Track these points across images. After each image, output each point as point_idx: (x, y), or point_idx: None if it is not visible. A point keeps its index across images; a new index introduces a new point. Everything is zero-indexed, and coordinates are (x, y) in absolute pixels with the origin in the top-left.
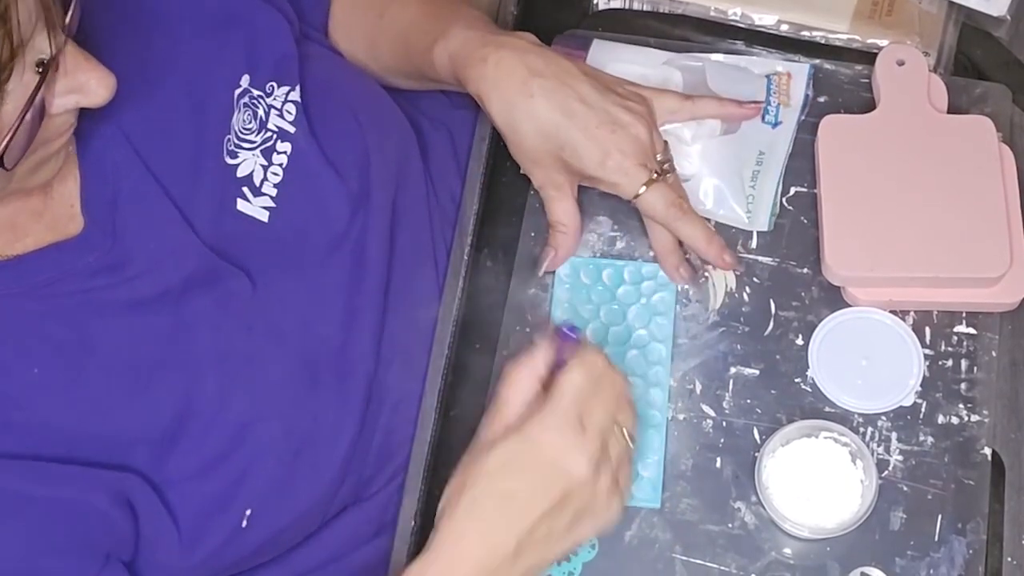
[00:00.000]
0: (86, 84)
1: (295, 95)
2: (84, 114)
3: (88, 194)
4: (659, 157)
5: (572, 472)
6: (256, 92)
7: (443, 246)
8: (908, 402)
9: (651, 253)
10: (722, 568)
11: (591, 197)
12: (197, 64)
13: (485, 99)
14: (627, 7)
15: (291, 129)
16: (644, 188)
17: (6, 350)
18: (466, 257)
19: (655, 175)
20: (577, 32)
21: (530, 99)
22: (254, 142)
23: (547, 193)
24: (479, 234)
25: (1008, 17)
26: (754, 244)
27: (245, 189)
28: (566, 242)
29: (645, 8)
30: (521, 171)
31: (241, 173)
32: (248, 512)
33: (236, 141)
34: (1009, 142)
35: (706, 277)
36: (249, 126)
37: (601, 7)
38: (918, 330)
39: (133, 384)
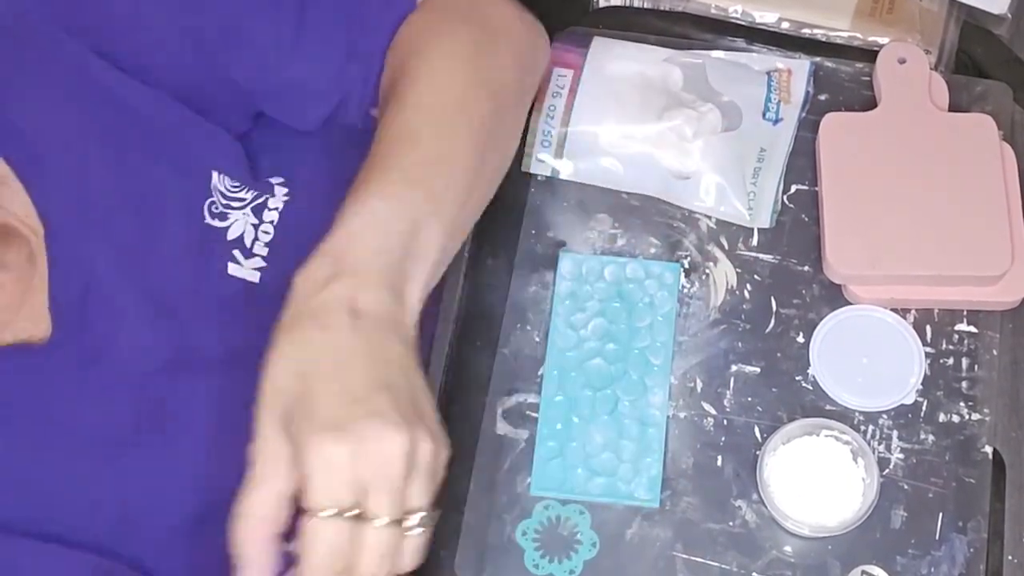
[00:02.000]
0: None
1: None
2: (48, 201)
3: (56, 293)
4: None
5: None
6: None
7: None
8: (909, 400)
9: (652, 250)
10: (723, 566)
11: (591, 194)
12: (165, 142)
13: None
14: (628, 4)
15: (284, 190)
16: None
17: None
18: (466, 255)
19: (351, 514)
20: (577, 29)
21: (288, 373)
22: (244, 200)
23: (259, 469)
24: (479, 231)
25: (1009, 15)
26: (755, 242)
27: (236, 252)
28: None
29: (646, 5)
30: (523, 169)
31: (232, 236)
32: None
33: (224, 202)
34: (1010, 140)
35: (707, 274)
36: (236, 183)
37: (601, 4)
38: (919, 328)
39: (104, 463)
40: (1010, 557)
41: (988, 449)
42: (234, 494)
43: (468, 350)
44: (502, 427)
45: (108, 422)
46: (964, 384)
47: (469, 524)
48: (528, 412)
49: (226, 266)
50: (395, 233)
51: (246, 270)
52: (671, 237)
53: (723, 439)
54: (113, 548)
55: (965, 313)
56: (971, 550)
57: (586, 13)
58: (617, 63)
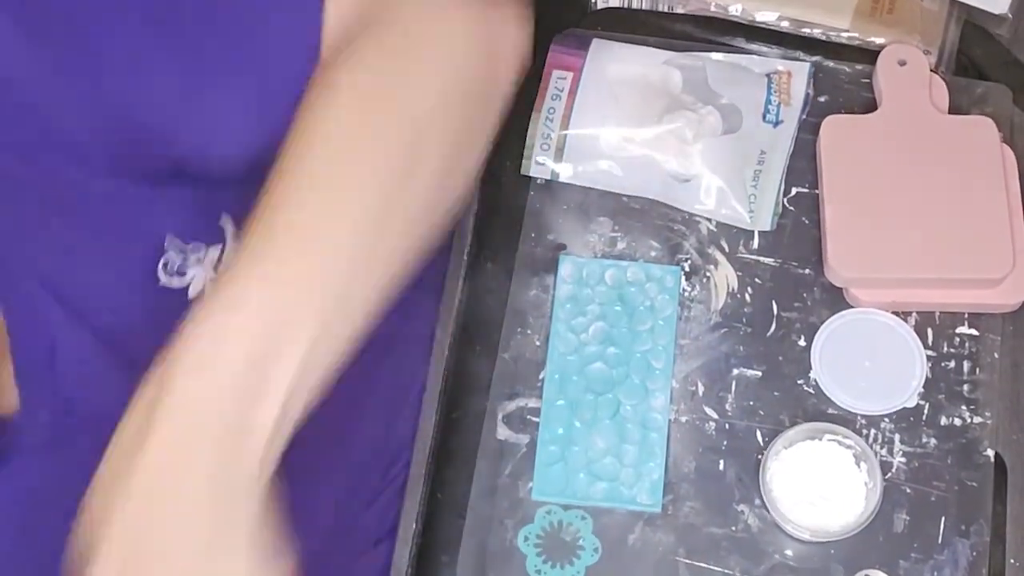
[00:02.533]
0: None
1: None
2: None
3: (22, 360)
4: None
5: None
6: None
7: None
8: (911, 403)
9: (653, 254)
10: (725, 571)
11: (591, 197)
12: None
13: None
14: (626, 6)
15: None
16: None
17: None
18: (466, 259)
19: None
20: (576, 31)
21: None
22: (201, 258)
23: None
24: (479, 236)
25: (1009, 15)
26: (756, 245)
27: None
28: None
29: (645, 6)
30: (522, 172)
31: (193, 293)
32: None
33: (181, 258)
34: (1010, 142)
35: (708, 277)
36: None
37: (600, 6)
38: (920, 331)
39: None
40: (1012, 560)
41: (990, 452)
42: None
43: (468, 355)
44: (503, 432)
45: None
46: (966, 387)
47: (470, 529)
48: (529, 417)
49: None
50: (240, 355)
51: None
52: (671, 240)
53: (725, 443)
54: None
55: (966, 316)
56: (974, 554)
57: (585, 15)
58: (616, 65)
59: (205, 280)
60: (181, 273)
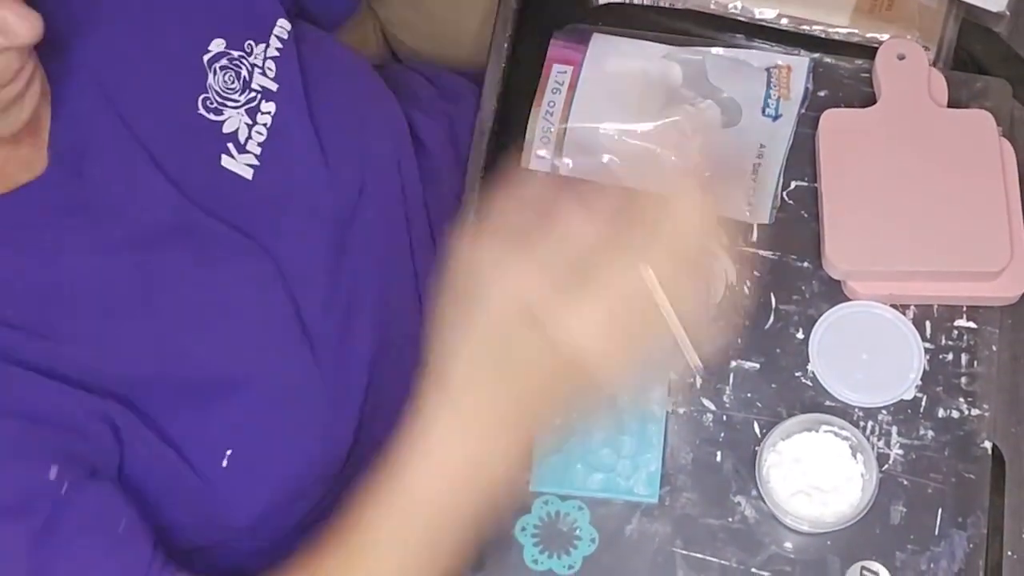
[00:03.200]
0: (4, 21)
1: (273, 51)
2: (52, 57)
3: (56, 136)
4: None
5: None
6: (235, 53)
7: (442, 241)
8: (908, 396)
9: None
10: (722, 562)
11: None
12: (166, 25)
13: None
14: (627, 1)
15: (274, 87)
16: None
17: None
18: None
19: None
20: (577, 26)
21: None
22: (238, 101)
23: None
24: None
25: (1007, 12)
26: (755, 237)
27: (230, 145)
28: None
29: (645, 2)
30: (522, 164)
31: (227, 130)
32: (228, 452)
33: (219, 100)
34: (1009, 136)
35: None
36: (232, 86)
37: (601, 1)
38: (918, 324)
39: (103, 320)
40: (1009, 552)
41: (987, 444)
42: (212, 375)
43: None
44: None
45: (106, 282)
46: (963, 380)
47: None
48: None
49: (219, 157)
50: None
51: (239, 164)
52: None
53: (722, 435)
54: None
55: (964, 309)
56: (970, 545)
57: (586, 10)
58: (617, 60)
59: (240, 123)
60: (218, 111)
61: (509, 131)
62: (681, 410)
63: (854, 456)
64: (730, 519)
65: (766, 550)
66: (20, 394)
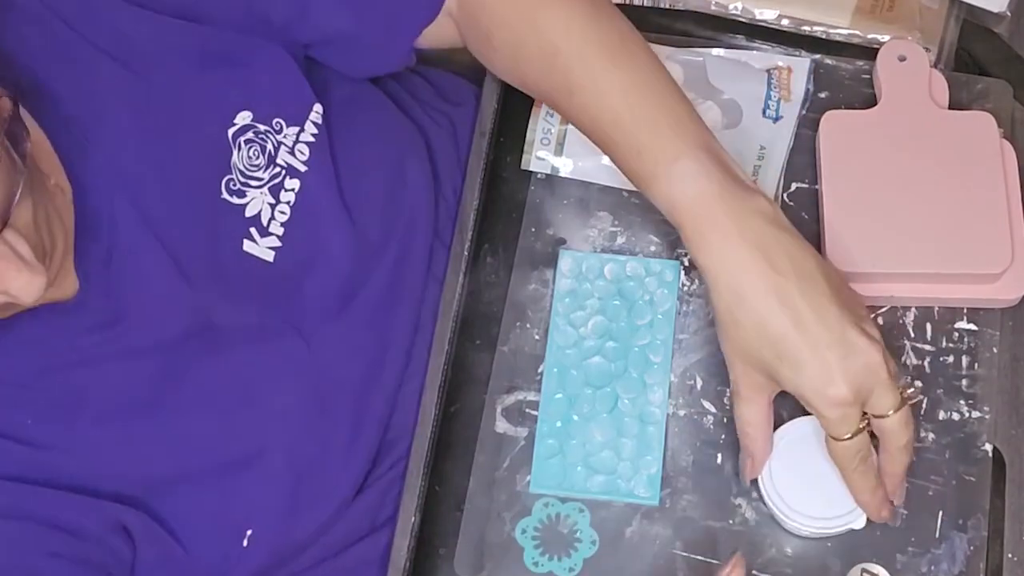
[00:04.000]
0: (11, 287)
1: (308, 136)
2: (79, 163)
3: (81, 253)
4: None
5: None
6: (261, 127)
7: (445, 245)
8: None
9: (652, 248)
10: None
11: (591, 192)
12: (190, 104)
13: (710, 277)
14: (628, 2)
15: (302, 169)
16: (849, 435)
17: None
18: (466, 253)
19: (865, 423)
20: None
21: (763, 298)
22: (262, 179)
23: (742, 392)
24: (479, 230)
25: (1008, 13)
26: None
27: (252, 230)
28: (756, 447)
29: (645, 3)
30: (522, 167)
31: (250, 213)
32: (249, 533)
33: (242, 180)
34: (1010, 138)
35: None
36: (256, 162)
37: None
38: (919, 326)
39: (122, 422)
40: (1010, 555)
41: (988, 447)
42: (235, 457)
43: (468, 348)
44: (502, 425)
45: (128, 386)
46: (964, 382)
47: (468, 522)
48: (528, 410)
49: (242, 243)
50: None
51: (261, 248)
52: (671, 235)
53: (723, 437)
54: (135, 501)
55: (965, 311)
56: (971, 548)
57: None
58: None
59: (262, 204)
60: (241, 194)
61: (509, 132)
62: (682, 412)
63: None
64: (730, 521)
65: (766, 552)
66: (32, 508)
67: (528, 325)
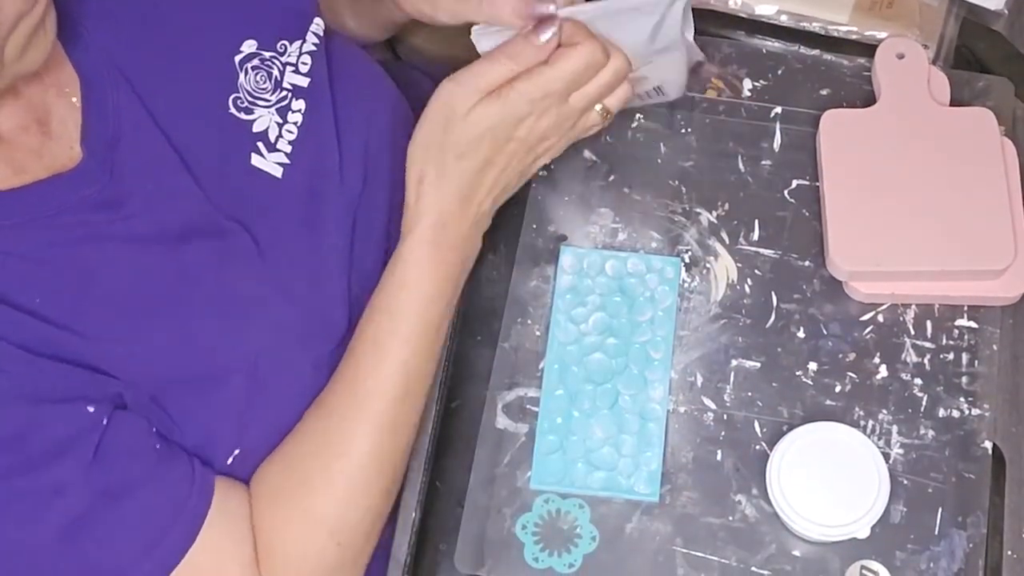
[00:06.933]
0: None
1: (309, 45)
2: (81, 50)
3: (88, 131)
4: None
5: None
6: (267, 54)
7: None
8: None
9: (653, 245)
10: (722, 561)
11: (592, 190)
12: (196, 28)
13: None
14: None
15: (304, 83)
16: None
17: (7, 279)
18: None
19: None
20: None
21: None
22: (269, 101)
23: None
24: None
25: (1005, 11)
26: (756, 236)
27: (260, 144)
28: None
29: None
30: None
31: (257, 129)
32: (236, 452)
33: (250, 99)
34: (1012, 135)
35: (708, 268)
36: (264, 86)
37: None
38: (919, 324)
39: (131, 318)
40: (1009, 552)
41: (988, 444)
42: (243, 366)
43: (469, 344)
44: (502, 421)
45: (133, 274)
46: (964, 379)
47: (469, 518)
48: (528, 406)
49: (249, 156)
50: None
51: (269, 163)
52: (672, 231)
53: (723, 434)
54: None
55: (966, 308)
56: (970, 545)
57: None
58: None
59: (270, 122)
60: (248, 111)
61: None
62: (682, 409)
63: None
64: (730, 518)
65: (766, 549)
66: (48, 383)
67: (529, 321)
